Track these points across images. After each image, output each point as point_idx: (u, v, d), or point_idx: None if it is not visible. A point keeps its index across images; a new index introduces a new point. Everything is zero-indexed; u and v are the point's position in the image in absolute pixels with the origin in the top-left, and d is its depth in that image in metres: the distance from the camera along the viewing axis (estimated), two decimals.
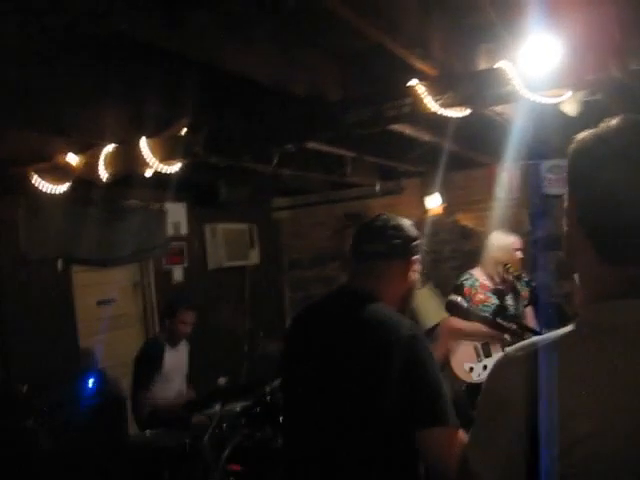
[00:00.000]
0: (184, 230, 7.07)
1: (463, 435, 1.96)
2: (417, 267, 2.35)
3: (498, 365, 1.30)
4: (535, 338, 1.30)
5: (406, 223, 2.37)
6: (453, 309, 3.02)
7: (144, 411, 5.42)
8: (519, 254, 5.01)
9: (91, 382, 4.73)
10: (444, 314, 4.00)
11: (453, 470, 1.86)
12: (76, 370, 5.29)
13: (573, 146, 1.30)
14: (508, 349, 1.31)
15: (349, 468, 2.10)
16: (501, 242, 5.04)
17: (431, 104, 3.36)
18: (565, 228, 1.33)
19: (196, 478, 4.80)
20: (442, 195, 7.27)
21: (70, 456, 4.31)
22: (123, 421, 4.98)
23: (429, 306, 3.94)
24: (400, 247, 2.29)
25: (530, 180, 6.95)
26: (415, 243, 2.35)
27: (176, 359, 5.62)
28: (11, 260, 5.28)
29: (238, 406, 5.11)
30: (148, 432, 5.19)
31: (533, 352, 1.24)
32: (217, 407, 5.07)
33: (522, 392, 1.22)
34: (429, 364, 2.04)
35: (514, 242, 5.03)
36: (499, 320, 3.67)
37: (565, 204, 1.32)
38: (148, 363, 5.44)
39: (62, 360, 5.50)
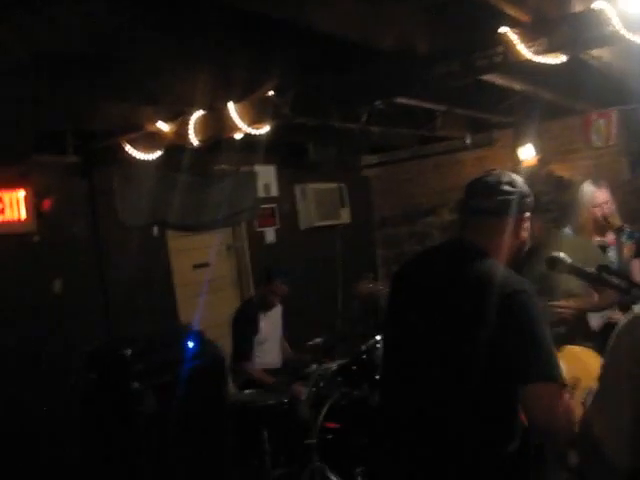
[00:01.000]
0: (274, 192, 7.11)
1: (567, 394, 1.95)
2: (528, 224, 2.32)
3: (626, 324, 1.24)
4: None
5: (518, 179, 2.31)
6: (555, 265, 2.90)
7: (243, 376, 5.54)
8: (603, 208, 4.74)
9: (191, 344, 4.84)
10: None
11: (555, 427, 1.92)
12: (176, 333, 5.43)
13: None
14: (636, 308, 1.24)
15: (450, 422, 2.09)
16: (590, 193, 4.81)
17: (524, 52, 3.22)
18: None
19: (294, 436, 4.88)
20: (536, 146, 7.03)
21: (173, 417, 4.43)
22: (223, 381, 5.08)
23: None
24: (513, 204, 2.24)
25: (629, 126, 6.65)
26: (528, 200, 2.30)
27: (270, 322, 5.70)
28: (110, 228, 5.44)
29: (335, 365, 5.15)
30: (247, 392, 5.31)
31: None
32: (314, 366, 5.12)
33: None
34: (538, 320, 2.02)
35: (595, 196, 4.78)
36: (604, 276, 3.51)
37: None
38: (246, 324, 5.54)
39: (162, 323, 5.66)
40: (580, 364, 3.51)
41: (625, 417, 1.21)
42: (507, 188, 2.25)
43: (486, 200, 2.25)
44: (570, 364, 3.44)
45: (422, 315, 2.23)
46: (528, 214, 2.31)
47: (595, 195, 4.75)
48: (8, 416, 4.54)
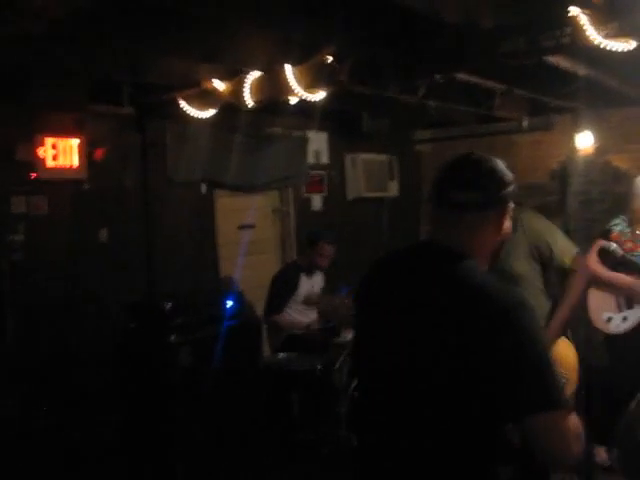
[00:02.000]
0: (325, 159, 7.08)
1: (575, 419, 1.76)
2: (511, 214, 2.02)
3: None
4: None
5: (501, 165, 1.99)
6: (608, 257, 2.84)
7: (278, 333, 5.60)
8: None
9: (230, 303, 4.88)
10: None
11: (569, 454, 1.74)
12: (216, 291, 5.49)
13: None
14: None
15: (428, 453, 1.85)
16: (637, 189, 4.68)
17: (593, 35, 3.13)
18: None
19: (325, 403, 4.90)
20: (594, 134, 6.87)
21: (207, 373, 4.50)
22: (258, 343, 5.14)
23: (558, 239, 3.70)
24: (496, 196, 1.94)
25: None
26: (511, 188, 1.98)
27: (310, 286, 5.73)
28: (159, 182, 5.49)
29: None
30: (281, 355, 5.35)
31: None
32: (349, 336, 5.13)
33: None
34: (539, 338, 1.77)
35: None
36: None
37: None
38: (284, 284, 5.59)
39: (203, 280, 5.73)
40: (564, 359, 3.46)
41: None
42: (489, 178, 1.95)
43: (465, 193, 1.93)
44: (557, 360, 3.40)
45: (393, 338, 1.93)
46: (512, 204, 2.01)
47: None
48: (53, 356, 4.67)
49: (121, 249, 5.19)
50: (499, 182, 1.96)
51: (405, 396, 1.89)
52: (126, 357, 4.64)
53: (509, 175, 1.99)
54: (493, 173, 1.96)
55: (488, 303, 1.78)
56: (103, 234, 5.12)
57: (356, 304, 2.17)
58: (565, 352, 3.53)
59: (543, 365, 1.74)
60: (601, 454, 4.69)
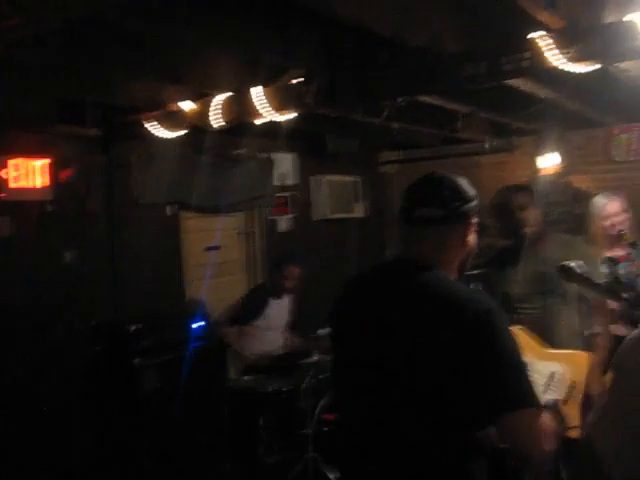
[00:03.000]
0: (291, 180, 7.10)
1: (547, 418, 1.88)
2: (475, 229, 2.15)
3: (632, 339, 1.23)
4: None
5: (463, 182, 2.12)
6: (566, 274, 2.90)
7: (244, 356, 5.58)
8: (613, 220, 4.69)
9: (196, 325, 4.86)
10: None
11: (539, 452, 1.84)
12: (182, 313, 5.46)
13: None
14: None
15: (404, 458, 1.94)
16: (601, 205, 4.77)
17: (552, 58, 3.20)
18: None
19: (291, 425, 4.89)
20: (555, 155, 7.00)
21: (172, 396, 4.46)
22: (224, 365, 5.11)
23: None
24: (459, 211, 2.05)
25: None
26: (474, 203, 2.11)
27: (278, 310, 5.74)
28: (125, 203, 5.46)
29: None
30: (246, 377, 5.34)
31: None
32: (315, 357, 5.13)
33: None
34: (511, 341, 1.88)
35: (609, 207, 4.73)
36: (615, 289, 3.53)
37: None
38: (247, 305, 5.60)
39: (169, 302, 5.69)
40: (577, 368, 3.54)
41: (630, 435, 1.21)
42: (452, 194, 2.06)
43: (429, 209, 2.05)
44: (570, 367, 3.49)
45: (373, 347, 2.02)
46: (475, 219, 2.13)
47: (606, 207, 4.71)
48: (17, 375, 4.60)
49: (86, 270, 5.14)
50: (461, 198, 2.07)
51: (387, 405, 1.97)
52: (91, 379, 4.59)
53: (472, 191, 2.11)
54: (455, 189, 2.08)
55: (461, 310, 1.88)
56: (68, 255, 5.07)
57: (332, 323, 2.25)
58: (583, 362, 3.62)
59: (513, 366, 1.85)
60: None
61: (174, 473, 4.49)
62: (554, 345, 3.61)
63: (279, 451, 4.95)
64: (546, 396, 3.41)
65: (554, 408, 3.26)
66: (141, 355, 4.39)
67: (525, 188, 3.97)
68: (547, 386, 3.46)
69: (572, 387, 3.50)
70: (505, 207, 3.92)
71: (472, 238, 2.14)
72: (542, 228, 3.95)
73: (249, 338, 5.55)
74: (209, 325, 4.99)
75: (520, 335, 3.51)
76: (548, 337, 3.58)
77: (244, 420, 4.96)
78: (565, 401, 3.46)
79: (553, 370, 3.49)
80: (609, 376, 1.27)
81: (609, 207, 4.70)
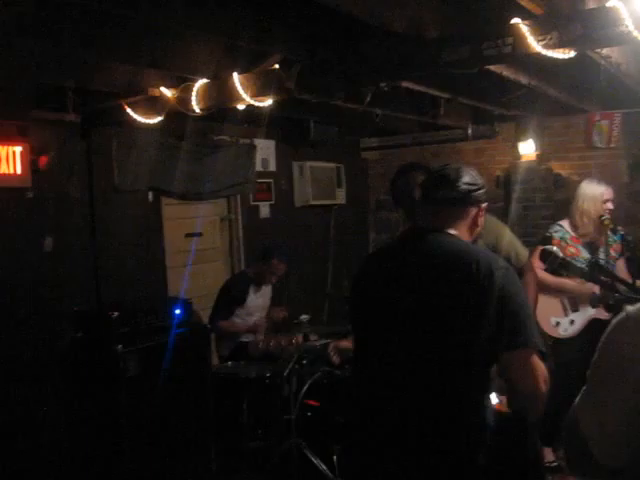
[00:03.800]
0: (272, 167, 7.09)
1: (542, 364, 2.12)
2: (484, 213, 2.49)
3: (620, 324, 1.24)
4: None
5: (474, 172, 2.49)
6: (548, 259, 2.92)
7: (227, 341, 5.59)
8: (609, 205, 4.78)
9: (178, 311, 4.85)
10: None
11: (538, 390, 2.09)
12: (163, 299, 5.45)
13: None
14: (629, 308, 1.24)
15: (424, 399, 2.21)
16: (590, 193, 4.83)
17: (534, 44, 3.20)
18: None
19: (274, 411, 4.90)
20: (537, 141, 7.04)
21: (154, 382, 4.45)
22: (206, 351, 5.10)
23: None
24: (473, 195, 2.43)
25: (631, 129, 6.65)
26: (484, 191, 2.48)
27: (258, 299, 5.75)
28: (105, 190, 5.42)
29: (319, 343, 5.17)
30: (230, 363, 5.34)
31: None
32: (298, 343, 5.15)
33: None
34: (521, 293, 2.21)
35: (604, 193, 4.80)
36: (594, 273, 3.56)
37: None
38: (231, 296, 5.59)
39: (151, 289, 5.67)
40: None
41: (612, 416, 1.22)
42: (468, 179, 2.43)
43: (448, 191, 2.41)
44: None
45: (402, 301, 2.30)
46: (485, 204, 2.49)
47: (604, 193, 4.78)
48: None
49: (66, 258, 5.10)
50: (475, 185, 2.44)
51: (415, 354, 2.24)
52: (72, 367, 4.57)
53: (480, 180, 2.48)
54: (470, 177, 2.44)
55: (479, 265, 2.19)
56: (48, 243, 5.03)
57: (357, 290, 2.53)
58: None
59: (522, 313, 2.15)
60: (548, 455, 4.80)
61: (157, 459, 4.49)
62: None
63: (262, 436, 4.96)
64: None
65: None
66: (123, 341, 4.37)
67: (422, 166, 3.73)
68: None
69: None
70: (404, 186, 3.56)
71: (482, 220, 2.48)
72: None
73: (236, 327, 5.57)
74: (190, 312, 4.97)
75: None
76: None
77: (227, 406, 4.96)
78: None
79: None
80: (593, 360, 1.28)
81: (607, 193, 4.79)
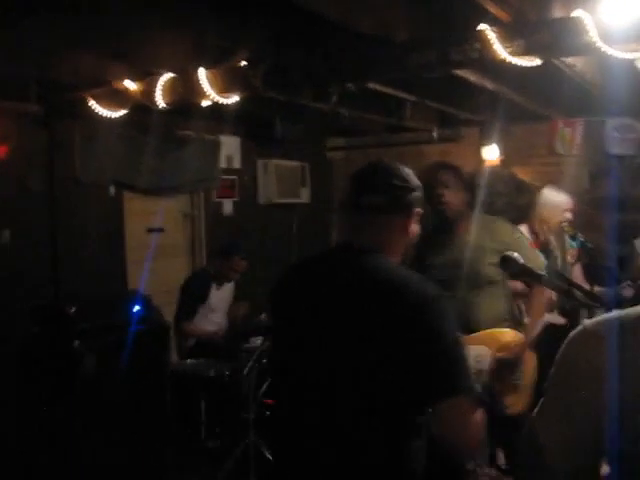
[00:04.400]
0: (237, 164, 7.05)
1: (480, 412, 1.87)
2: (417, 219, 2.15)
3: (578, 337, 1.24)
4: (614, 314, 1.23)
5: (408, 172, 2.12)
6: (508, 265, 2.95)
7: (187, 339, 5.55)
8: (567, 215, 4.85)
9: (137, 308, 4.79)
10: None
11: (468, 442, 1.87)
12: (123, 295, 5.38)
13: None
14: (586, 322, 1.25)
15: (344, 444, 1.93)
16: (550, 201, 4.90)
17: (500, 51, 3.23)
18: None
19: (232, 410, 4.88)
20: (501, 146, 7.10)
21: (112, 379, 4.40)
22: (165, 348, 5.05)
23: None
24: (402, 200, 2.07)
25: (593, 138, 6.74)
26: (417, 194, 2.11)
27: (220, 296, 5.72)
28: (66, 183, 5.34)
29: None
30: (189, 361, 5.30)
31: (615, 328, 1.18)
32: (258, 341, 5.13)
33: (601, 367, 1.16)
34: (450, 327, 1.87)
35: (564, 202, 4.87)
36: (552, 279, 3.59)
37: None
38: (193, 294, 5.54)
39: (110, 284, 5.60)
40: (500, 346, 3.59)
41: (569, 430, 1.23)
42: (397, 183, 2.06)
43: (373, 197, 2.05)
44: (493, 347, 3.53)
45: (316, 330, 2.00)
46: (419, 209, 2.14)
47: (566, 200, 4.85)
48: None
49: (25, 251, 5.01)
50: (404, 188, 2.08)
51: (326, 388, 1.96)
52: (28, 362, 4.49)
53: (415, 182, 2.12)
54: (400, 179, 2.08)
55: (405, 295, 1.89)
56: (5, 235, 4.94)
57: (273, 309, 2.22)
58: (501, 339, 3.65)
59: (454, 354, 1.84)
60: (500, 457, 4.84)
61: (113, 457, 4.43)
62: (475, 331, 3.61)
63: (220, 435, 4.93)
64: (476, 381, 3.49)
65: (488, 390, 3.34)
66: (81, 338, 4.31)
67: (450, 166, 3.89)
68: (475, 370, 3.52)
69: (500, 365, 3.54)
70: (427, 183, 3.77)
71: (414, 228, 2.14)
72: (464, 210, 3.79)
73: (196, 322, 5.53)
74: (150, 309, 4.92)
75: None
76: (469, 323, 3.56)
77: (186, 404, 4.92)
78: (497, 381, 3.52)
79: (478, 352, 3.53)
80: (551, 370, 1.29)
81: (567, 203, 4.86)
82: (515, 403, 3.60)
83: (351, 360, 1.91)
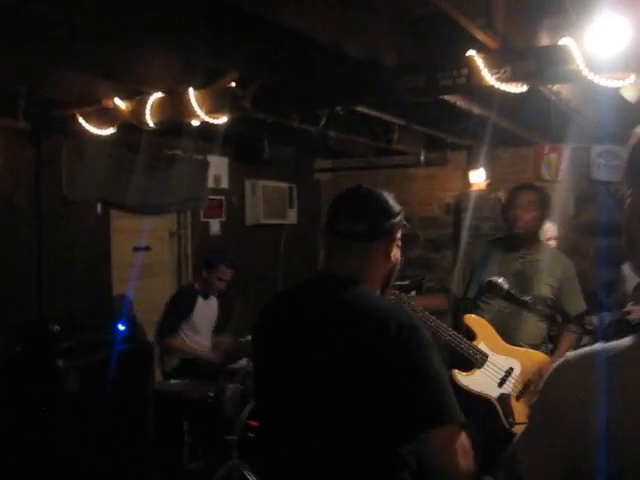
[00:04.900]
0: (224, 184, 7.06)
1: (464, 436, 1.83)
2: (399, 243, 2.14)
3: (560, 369, 1.25)
4: (598, 346, 1.24)
5: (388, 197, 2.09)
6: (494, 290, 2.97)
7: (170, 358, 5.51)
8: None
9: (122, 327, 4.77)
10: None
11: (459, 471, 1.80)
12: (108, 314, 5.35)
13: (636, 140, 1.22)
14: (569, 354, 1.26)
15: (324, 473, 1.91)
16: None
17: (488, 77, 3.27)
18: (628, 224, 1.24)
19: (216, 431, 4.85)
20: (487, 171, 7.15)
21: (95, 398, 4.37)
22: (149, 368, 5.03)
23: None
24: (382, 227, 2.04)
25: (579, 164, 6.80)
26: (398, 219, 2.09)
27: (206, 310, 5.69)
28: (53, 200, 5.32)
29: None
30: (173, 381, 5.26)
31: (599, 361, 1.19)
32: (243, 363, 5.11)
33: (584, 401, 1.16)
34: (432, 357, 1.85)
35: (548, 228, 4.90)
36: (539, 307, 3.65)
37: (628, 199, 1.23)
38: (178, 309, 5.52)
39: (95, 303, 5.57)
40: (535, 367, 3.65)
41: (547, 463, 1.23)
42: (375, 209, 2.04)
43: (352, 224, 2.02)
44: (528, 366, 3.60)
45: (300, 363, 1.98)
46: (399, 234, 2.12)
47: (549, 228, 4.87)
48: None
49: (10, 268, 4.98)
50: (385, 214, 2.05)
51: (307, 421, 1.94)
52: (11, 381, 4.45)
53: (396, 207, 2.09)
54: (379, 205, 2.05)
55: (384, 324, 1.85)
56: None
57: (255, 337, 2.20)
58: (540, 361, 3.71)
59: (436, 382, 1.82)
60: None
61: (97, 476, 4.39)
62: (514, 343, 3.71)
63: (203, 457, 4.90)
64: (500, 390, 3.53)
65: (506, 401, 3.39)
66: (64, 356, 4.28)
67: (531, 187, 4.03)
68: (503, 380, 3.57)
69: (527, 385, 3.65)
70: (505, 202, 4.00)
71: (396, 253, 2.12)
72: (534, 231, 3.92)
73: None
74: (135, 328, 4.90)
75: (484, 325, 3.68)
76: (510, 335, 3.67)
77: (169, 424, 4.89)
78: (518, 398, 3.59)
79: (512, 366, 3.61)
80: (535, 399, 1.30)
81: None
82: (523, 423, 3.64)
83: (332, 391, 1.89)
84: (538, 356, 3.74)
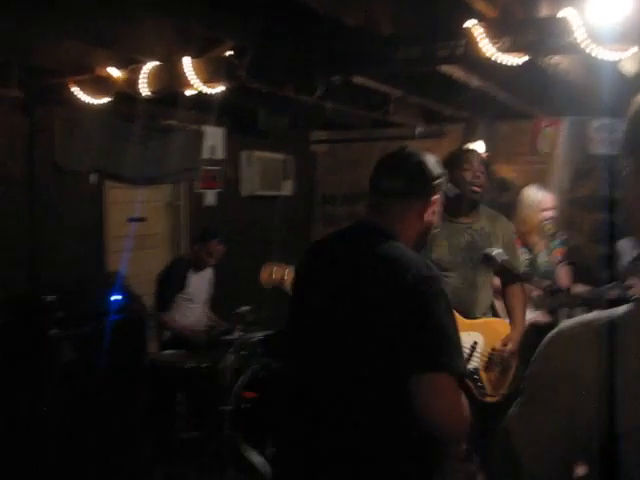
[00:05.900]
0: (220, 154, 7.01)
1: (458, 389, 1.88)
2: (437, 207, 2.21)
3: (555, 338, 1.23)
4: (594, 314, 1.22)
5: (431, 159, 2.20)
6: (488, 262, 2.96)
7: (165, 330, 5.53)
8: (549, 214, 4.85)
9: (116, 297, 4.76)
10: None
11: (449, 420, 1.86)
12: (102, 284, 5.33)
13: (636, 108, 1.20)
14: (564, 323, 1.24)
15: (350, 409, 2.01)
16: (530, 200, 4.90)
17: (486, 48, 3.23)
18: (626, 196, 1.22)
19: (211, 402, 4.86)
20: (483, 144, 7.10)
21: (89, 369, 4.36)
22: (144, 339, 5.03)
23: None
24: (420, 186, 2.15)
25: (576, 137, 6.77)
26: (437, 182, 2.18)
27: (199, 282, 5.68)
28: (46, 170, 5.28)
29: (259, 335, 5.14)
30: (167, 352, 5.27)
31: (595, 328, 1.17)
32: (237, 334, 5.10)
33: (581, 369, 1.15)
34: (447, 309, 1.95)
35: (544, 201, 4.87)
36: (536, 278, 3.63)
37: (625, 170, 1.21)
38: (171, 282, 5.50)
39: (89, 273, 5.56)
40: (496, 335, 3.64)
41: (547, 429, 1.22)
42: (415, 169, 2.16)
43: (392, 181, 2.16)
44: (489, 335, 3.59)
45: (323, 299, 2.12)
46: (437, 197, 2.20)
47: (545, 199, 4.84)
48: None
49: (2, 238, 4.96)
50: (422, 174, 2.16)
51: (338, 350, 2.05)
52: (3, 351, 4.44)
53: (437, 170, 2.20)
54: (418, 165, 2.17)
55: (402, 273, 1.96)
56: None
57: (294, 285, 2.36)
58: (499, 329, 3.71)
59: (440, 331, 1.91)
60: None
61: (90, 448, 4.41)
62: (472, 316, 3.65)
63: (196, 427, 4.91)
64: (468, 365, 3.53)
65: (475, 376, 3.39)
66: (57, 326, 4.27)
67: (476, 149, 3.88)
68: (469, 356, 3.56)
69: (491, 354, 3.63)
70: (454, 163, 3.66)
71: (432, 215, 2.20)
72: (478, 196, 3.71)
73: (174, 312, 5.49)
74: (129, 298, 4.88)
75: None
76: (467, 309, 3.57)
77: (162, 395, 4.90)
78: (485, 369, 3.58)
79: (475, 339, 3.58)
80: (527, 370, 1.28)
81: (546, 202, 4.85)
82: (495, 394, 3.64)
83: (351, 329, 2.01)
84: (497, 323, 3.73)
